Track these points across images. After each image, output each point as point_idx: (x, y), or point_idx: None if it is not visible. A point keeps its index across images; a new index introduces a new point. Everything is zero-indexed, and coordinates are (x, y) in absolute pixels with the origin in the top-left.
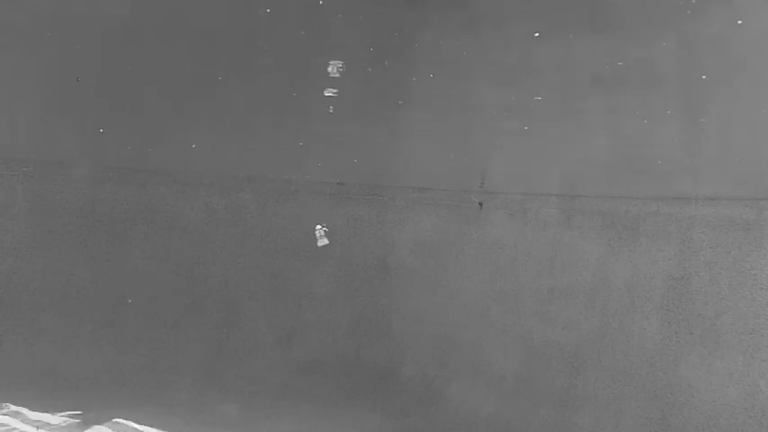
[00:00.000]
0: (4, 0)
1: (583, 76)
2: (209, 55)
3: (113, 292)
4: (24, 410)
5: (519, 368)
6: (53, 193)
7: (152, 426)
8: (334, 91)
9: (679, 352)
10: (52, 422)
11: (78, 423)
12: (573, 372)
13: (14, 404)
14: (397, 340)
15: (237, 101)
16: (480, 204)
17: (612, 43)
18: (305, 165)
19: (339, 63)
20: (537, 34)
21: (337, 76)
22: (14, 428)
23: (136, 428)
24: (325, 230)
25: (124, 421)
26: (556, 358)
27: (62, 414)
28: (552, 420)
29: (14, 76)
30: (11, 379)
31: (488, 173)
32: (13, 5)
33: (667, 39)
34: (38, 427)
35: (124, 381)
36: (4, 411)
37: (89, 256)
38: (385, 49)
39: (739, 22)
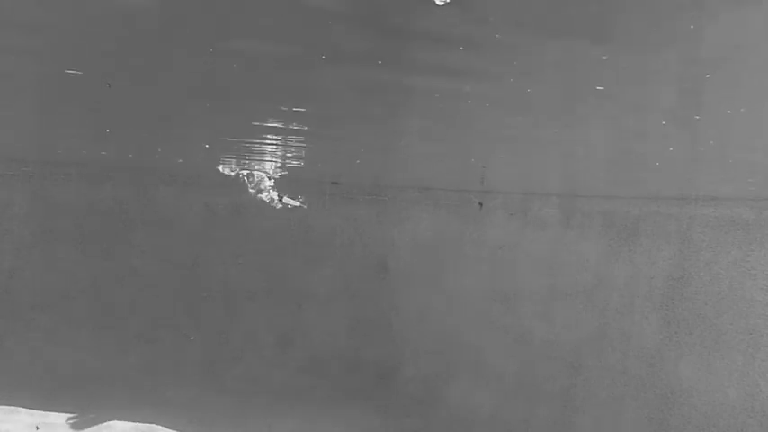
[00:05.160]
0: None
1: (583, 75)
2: (212, 54)
3: (113, 292)
4: (24, 410)
5: (519, 368)
6: (53, 193)
7: (152, 425)
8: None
9: (679, 352)
10: (52, 422)
11: (78, 423)
12: (573, 372)
13: (14, 404)
14: (397, 340)
15: (238, 100)
16: (480, 204)
17: (613, 42)
18: (306, 165)
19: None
20: (533, 38)
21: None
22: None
23: (136, 428)
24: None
25: (124, 421)
26: (556, 358)
27: (62, 414)
28: (552, 420)
29: (15, 76)
30: (11, 379)
31: (488, 173)
32: (13, 5)
33: (669, 37)
34: (38, 427)
35: (124, 381)
36: None
37: (89, 256)
38: (383, 47)
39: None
